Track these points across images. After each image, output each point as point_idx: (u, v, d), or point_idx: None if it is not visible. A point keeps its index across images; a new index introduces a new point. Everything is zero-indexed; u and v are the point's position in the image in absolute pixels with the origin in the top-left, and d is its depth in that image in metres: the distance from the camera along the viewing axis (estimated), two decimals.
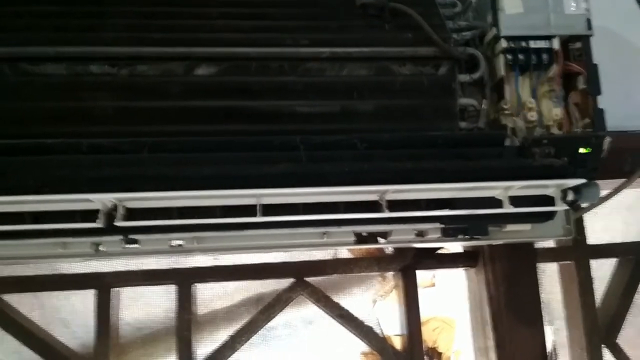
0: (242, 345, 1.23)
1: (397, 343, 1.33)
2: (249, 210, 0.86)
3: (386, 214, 0.87)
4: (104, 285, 1.20)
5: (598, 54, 0.99)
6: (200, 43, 0.91)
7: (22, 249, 0.95)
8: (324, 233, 0.99)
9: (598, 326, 1.30)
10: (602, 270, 1.42)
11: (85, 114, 0.88)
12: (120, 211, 0.83)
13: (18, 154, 0.84)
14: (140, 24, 0.93)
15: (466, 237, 1.00)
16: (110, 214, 0.84)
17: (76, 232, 0.89)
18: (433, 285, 2.04)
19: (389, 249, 1.32)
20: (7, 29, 0.92)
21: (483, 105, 0.97)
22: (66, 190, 0.80)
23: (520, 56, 0.95)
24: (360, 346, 1.85)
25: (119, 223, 0.83)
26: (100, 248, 0.97)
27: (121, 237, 0.92)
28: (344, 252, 1.51)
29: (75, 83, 0.89)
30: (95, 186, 0.80)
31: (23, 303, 1.28)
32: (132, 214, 0.84)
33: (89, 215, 0.84)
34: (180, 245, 0.98)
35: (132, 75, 0.89)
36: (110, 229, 0.85)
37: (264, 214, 0.85)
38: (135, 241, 0.94)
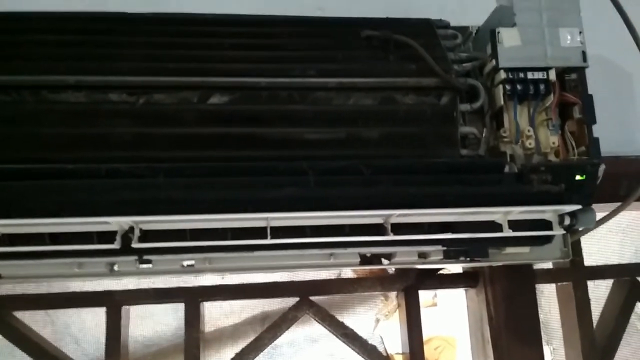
0: None
1: None
2: (258, 232, 0.89)
3: (390, 237, 0.91)
4: (114, 303, 1.23)
5: (593, 82, 1.04)
6: (214, 73, 0.95)
7: (39, 269, 0.98)
8: (331, 254, 1.02)
9: (595, 346, 1.33)
10: (599, 291, 1.45)
11: (104, 140, 0.92)
12: (137, 233, 0.87)
13: (39, 178, 0.87)
14: (157, 55, 0.97)
15: (467, 259, 1.03)
16: (127, 235, 0.88)
17: (93, 253, 0.92)
18: (435, 305, 2.06)
19: (391, 269, 1.36)
20: (28, 58, 0.96)
21: (483, 134, 1.01)
22: (85, 213, 0.84)
23: (519, 87, 0.99)
24: None
25: (136, 245, 0.87)
26: (115, 268, 1.00)
27: (136, 257, 0.95)
28: (347, 272, 1.54)
29: (94, 110, 0.92)
30: (113, 209, 0.84)
31: (35, 320, 1.31)
32: (147, 235, 0.88)
33: (106, 236, 0.88)
34: (191, 265, 1.01)
35: (148, 104, 0.93)
36: (126, 250, 0.89)
37: (273, 237, 0.89)
38: (149, 261, 0.97)
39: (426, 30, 1.08)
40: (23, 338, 1.26)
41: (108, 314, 1.23)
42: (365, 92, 0.99)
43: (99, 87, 0.93)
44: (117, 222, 0.85)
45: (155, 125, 0.93)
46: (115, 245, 0.87)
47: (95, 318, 1.51)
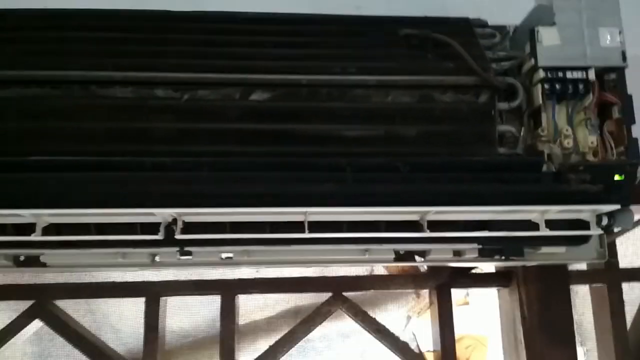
0: (282, 355, 1.28)
1: (431, 359, 1.36)
2: (296, 226, 0.92)
3: (427, 234, 0.93)
4: (153, 294, 1.27)
5: (633, 83, 1.03)
6: (255, 70, 0.97)
7: (84, 258, 1.02)
8: (366, 250, 1.03)
9: (628, 349, 1.32)
10: (633, 294, 1.44)
11: (150, 134, 0.95)
12: (180, 225, 0.90)
13: (87, 170, 0.91)
14: (201, 52, 1.00)
15: (502, 257, 1.04)
16: (170, 227, 0.91)
17: (136, 244, 0.96)
18: (467, 303, 2.06)
19: (423, 267, 1.36)
20: (77, 54, 0.99)
21: (521, 132, 1.01)
22: (131, 204, 0.87)
23: (557, 86, 0.99)
24: None
25: (179, 236, 0.89)
26: (157, 259, 1.03)
27: (177, 249, 0.98)
28: (379, 269, 1.55)
29: (140, 106, 0.95)
30: (158, 201, 0.87)
31: (75, 309, 1.35)
32: (189, 227, 0.91)
33: (149, 228, 0.91)
34: (229, 257, 1.04)
35: (193, 99, 0.96)
36: (168, 241, 0.92)
37: (311, 231, 0.91)
38: (189, 253, 1.00)
39: (464, 29, 1.09)
40: (63, 326, 1.30)
41: (147, 304, 1.27)
42: (404, 90, 1.00)
43: (145, 83, 0.96)
44: (161, 214, 0.88)
45: (199, 121, 0.96)
46: (159, 236, 0.90)
47: (133, 308, 1.54)
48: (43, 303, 1.29)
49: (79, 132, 0.95)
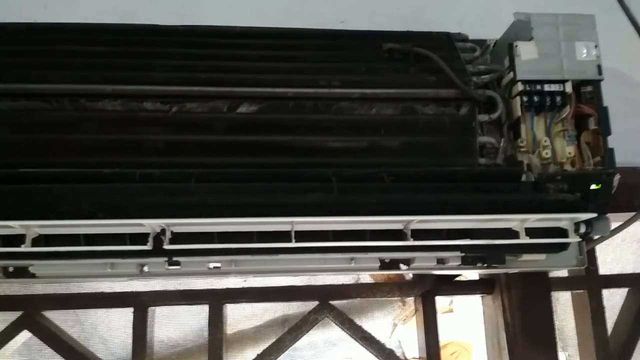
0: None
1: None
2: (283, 236, 0.94)
3: (410, 242, 0.95)
4: (141, 304, 1.28)
5: (608, 94, 1.06)
6: (242, 83, 0.99)
7: (73, 269, 1.03)
8: (352, 259, 1.05)
9: (610, 353, 1.34)
10: (614, 300, 1.47)
11: (138, 147, 0.96)
12: (168, 235, 0.91)
13: (77, 182, 0.92)
14: (188, 65, 1.02)
15: (484, 265, 1.06)
16: (158, 237, 0.92)
17: (125, 254, 0.97)
18: (451, 310, 2.08)
19: (409, 275, 1.38)
20: (67, 67, 1.01)
21: (501, 143, 1.04)
22: (120, 215, 0.88)
23: (536, 98, 1.02)
24: None
25: (167, 246, 0.91)
26: (145, 269, 1.04)
27: (166, 259, 0.99)
28: (365, 278, 1.57)
29: (129, 118, 0.97)
30: (146, 212, 0.89)
31: (63, 319, 1.36)
32: (177, 237, 0.93)
33: (138, 238, 0.92)
34: (217, 267, 1.05)
35: (181, 112, 0.98)
36: (157, 252, 0.93)
37: (297, 240, 0.93)
38: (177, 263, 1.01)
39: (445, 43, 1.12)
40: (52, 337, 1.30)
41: (135, 314, 1.27)
42: (387, 102, 1.02)
43: (134, 95, 0.97)
44: (150, 224, 0.90)
45: (187, 133, 0.98)
46: (148, 247, 0.91)
47: (122, 318, 1.55)
48: (31, 314, 1.29)
49: (68, 145, 0.96)
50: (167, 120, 0.97)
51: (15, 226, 0.88)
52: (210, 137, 0.98)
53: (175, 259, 1.00)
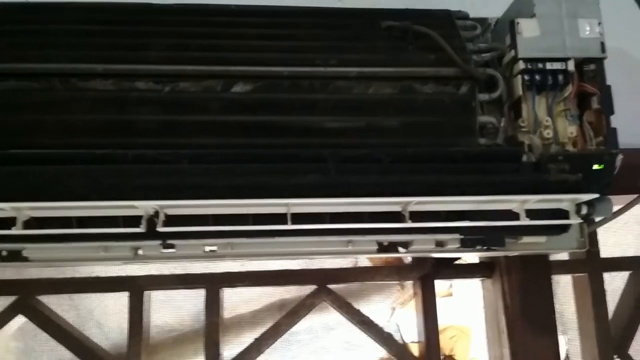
0: (267, 348, 1.28)
1: (415, 350, 1.37)
2: (279, 219, 0.92)
3: (408, 224, 0.93)
4: (137, 288, 1.26)
5: (612, 74, 1.04)
6: (237, 62, 0.97)
7: (66, 252, 1.01)
8: (349, 242, 1.03)
9: (610, 337, 1.33)
10: (615, 283, 1.46)
11: (131, 127, 0.94)
12: (162, 217, 0.90)
13: (68, 163, 0.90)
14: (182, 44, 0.99)
15: (484, 247, 1.04)
16: (152, 220, 0.91)
17: (118, 237, 0.95)
18: (450, 294, 2.08)
19: (407, 258, 1.37)
20: (58, 46, 0.98)
21: (501, 123, 1.02)
22: (113, 197, 0.87)
23: (537, 77, 1.00)
24: (378, 352, 1.89)
25: (161, 229, 0.89)
26: (139, 252, 1.03)
27: (160, 242, 0.98)
28: (363, 261, 1.56)
29: (121, 98, 0.95)
30: (139, 193, 0.87)
31: (59, 304, 1.34)
32: (171, 220, 0.91)
33: (131, 221, 0.90)
34: (213, 250, 1.04)
35: (174, 92, 0.95)
36: (150, 234, 0.92)
37: (294, 223, 0.91)
38: (172, 246, 1.00)
39: (445, 21, 1.09)
40: (47, 321, 1.29)
41: (131, 298, 1.26)
42: (385, 81, 1.00)
43: (126, 75, 0.95)
44: (142, 206, 0.88)
45: (181, 113, 0.95)
46: (141, 229, 0.89)
47: (118, 303, 1.54)
48: (26, 298, 1.28)
49: (59, 125, 0.94)
50: (160, 100, 0.95)
51: (6, 208, 0.86)
52: (204, 117, 0.96)
53: (169, 241, 0.99)
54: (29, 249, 1.01)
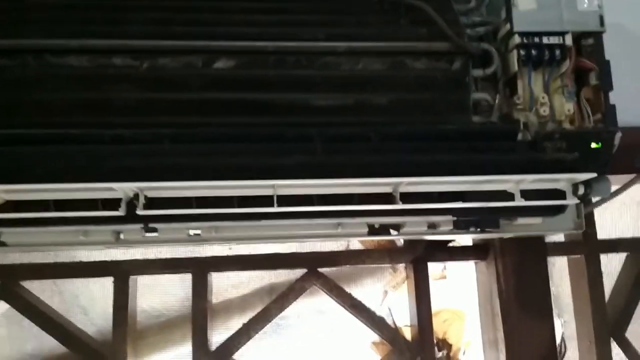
0: (256, 333, 1.26)
1: (408, 334, 1.34)
2: (265, 201, 0.88)
3: (399, 206, 0.89)
4: (122, 273, 1.23)
5: (610, 51, 1.01)
6: (220, 37, 0.93)
7: (44, 237, 0.98)
8: (338, 224, 1.00)
9: (607, 320, 1.31)
10: (612, 265, 1.43)
11: (108, 105, 0.91)
12: (142, 200, 0.86)
13: (42, 143, 0.86)
14: (162, 18, 0.95)
15: (477, 229, 1.02)
16: (132, 202, 0.87)
17: (98, 220, 0.92)
18: (444, 277, 2.05)
19: (400, 241, 1.34)
20: (32, 21, 0.94)
21: (496, 100, 0.99)
22: (89, 178, 0.83)
23: (533, 52, 0.97)
24: (370, 336, 1.87)
25: (141, 212, 0.86)
26: (121, 236, 0.99)
27: (142, 225, 0.94)
28: (355, 244, 1.53)
29: (98, 75, 0.91)
30: (117, 175, 0.83)
31: (42, 290, 1.31)
32: (152, 203, 0.87)
33: (111, 203, 0.87)
34: (198, 234, 1.00)
35: (153, 68, 0.91)
36: (131, 218, 0.88)
37: (280, 205, 0.88)
38: (154, 230, 0.96)
39: None
40: (30, 307, 1.26)
41: (115, 283, 1.23)
42: (375, 56, 0.96)
43: (103, 51, 0.91)
44: (121, 188, 0.84)
45: (160, 90, 0.92)
46: (120, 212, 0.86)
47: (103, 289, 1.51)
48: (9, 284, 1.25)
49: (32, 104, 0.90)
50: (138, 76, 0.91)
51: None
52: (185, 95, 0.92)
53: (151, 225, 0.96)
54: (6, 234, 0.97)
